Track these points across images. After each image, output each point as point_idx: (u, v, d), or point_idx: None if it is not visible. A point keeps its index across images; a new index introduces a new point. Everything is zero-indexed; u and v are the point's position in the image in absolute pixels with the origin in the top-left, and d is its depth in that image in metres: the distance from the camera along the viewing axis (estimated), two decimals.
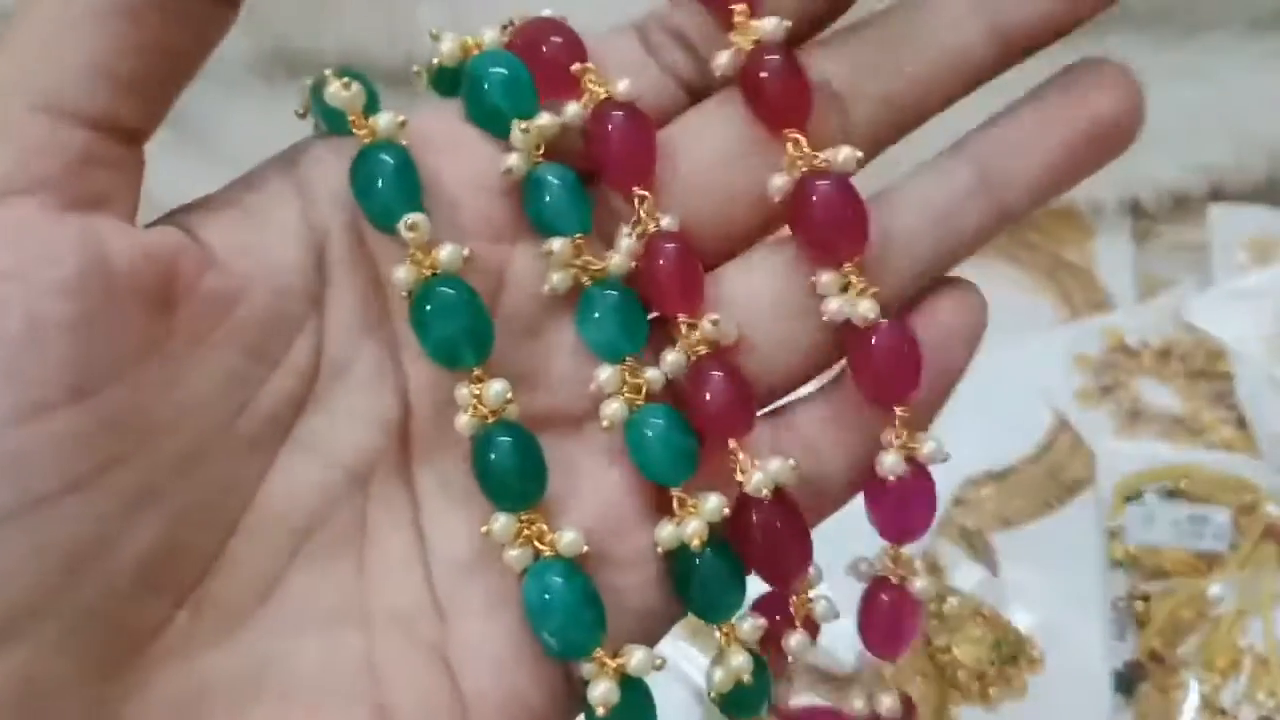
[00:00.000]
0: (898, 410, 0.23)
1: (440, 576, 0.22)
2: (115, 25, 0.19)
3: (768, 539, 0.22)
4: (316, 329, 0.22)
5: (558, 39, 0.23)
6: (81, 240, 0.19)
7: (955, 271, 0.25)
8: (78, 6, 0.19)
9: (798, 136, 0.23)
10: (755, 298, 0.23)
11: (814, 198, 0.22)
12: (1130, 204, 0.62)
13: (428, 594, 0.22)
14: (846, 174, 0.23)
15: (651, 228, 0.23)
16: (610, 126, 0.23)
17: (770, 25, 0.23)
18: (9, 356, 0.18)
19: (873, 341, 0.23)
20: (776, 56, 0.23)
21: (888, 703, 0.25)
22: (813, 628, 0.24)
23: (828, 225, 0.22)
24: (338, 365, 0.22)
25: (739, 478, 0.22)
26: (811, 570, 0.24)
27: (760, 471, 0.22)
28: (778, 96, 0.23)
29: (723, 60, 0.23)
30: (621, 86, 0.23)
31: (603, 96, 0.23)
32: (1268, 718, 0.46)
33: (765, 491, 0.22)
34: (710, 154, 0.23)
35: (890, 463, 0.23)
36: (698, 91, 0.24)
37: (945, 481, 0.53)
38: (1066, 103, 0.23)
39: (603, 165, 0.23)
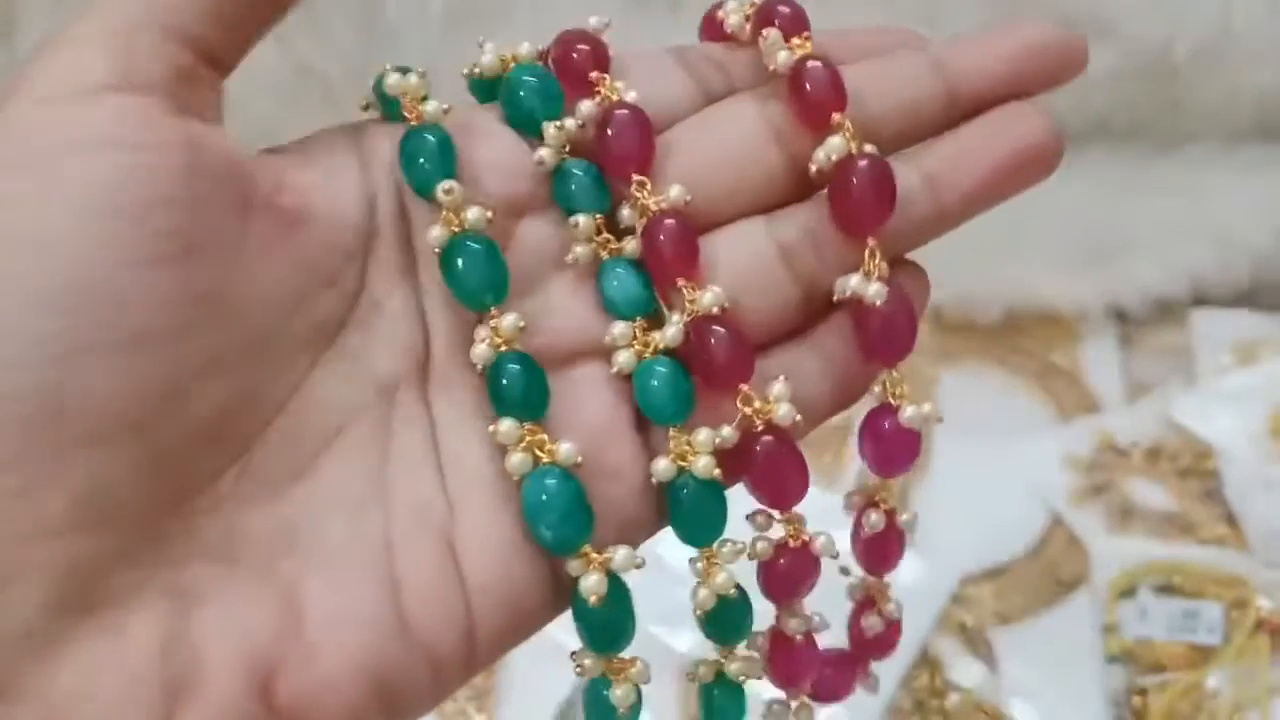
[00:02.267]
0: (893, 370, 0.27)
1: (451, 478, 0.25)
2: None
3: (772, 466, 0.26)
4: (363, 263, 0.26)
5: (585, 48, 0.28)
6: (187, 136, 0.23)
7: None
8: None
9: (843, 123, 0.26)
10: (737, 265, 0.27)
11: (853, 177, 0.26)
12: (1115, 310, 0.64)
13: (441, 491, 0.25)
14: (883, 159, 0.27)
15: (653, 207, 0.26)
16: (613, 124, 0.27)
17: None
18: (131, 215, 0.22)
19: (880, 308, 0.26)
20: (820, 63, 0.27)
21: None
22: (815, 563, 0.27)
23: (866, 199, 0.26)
24: (376, 298, 0.26)
25: (749, 411, 0.26)
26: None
27: (780, 403, 0.26)
28: (818, 98, 0.26)
29: (780, 57, 0.27)
30: (629, 95, 0.27)
31: (613, 100, 0.27)
32: None
33: (784, 413, 0.26)
34: (719, 140, 0.27)
35: (909, 414, 0.27)
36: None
37: (944, 579, 0.54)
38: (1001, 129, 0.27)
39: (605, 158, 0.27)
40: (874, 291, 0.26)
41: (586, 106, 0.27)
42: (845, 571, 0.29)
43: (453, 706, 0.52)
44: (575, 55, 0.27)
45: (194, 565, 0.23)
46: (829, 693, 0.29)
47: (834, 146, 0.26)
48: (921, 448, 0.27)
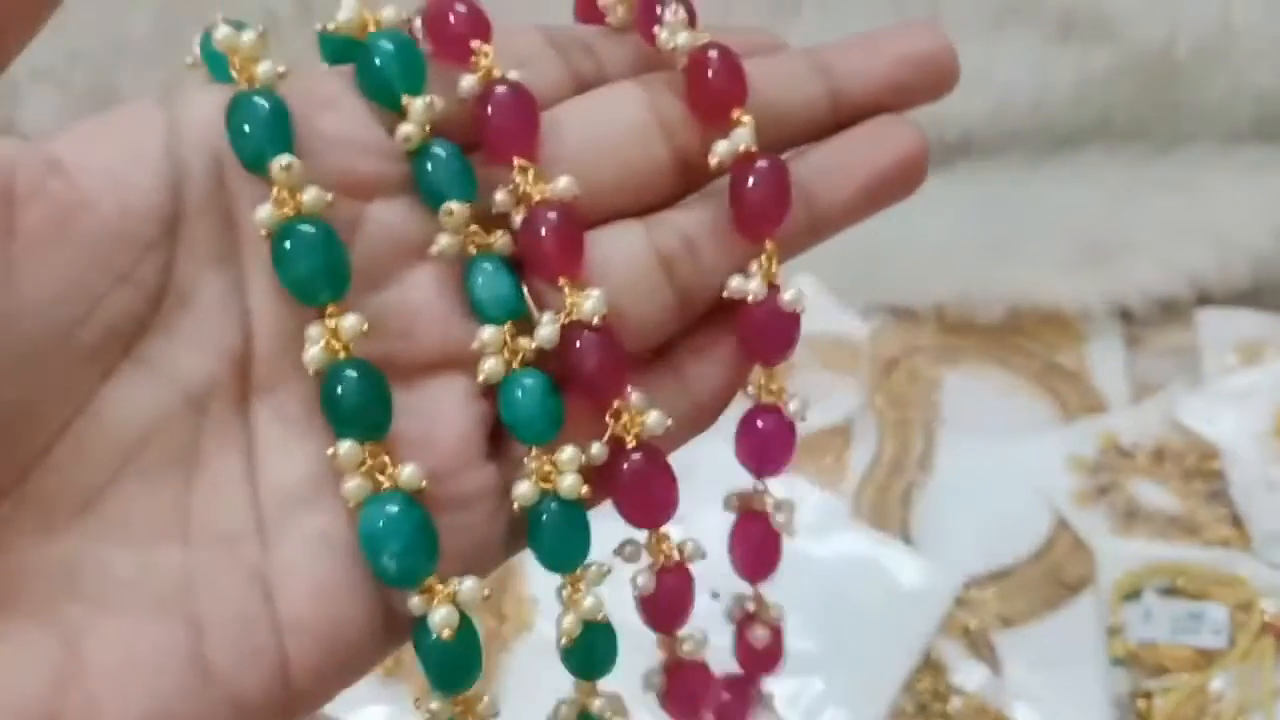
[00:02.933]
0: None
1: (268, 505, 0.23)
2: None
3: (641, 484, 0.25)
4: (166, 254, 0.22)
5: (463, 10, 0.25)
6: None
7: None
8: None
9: (744, 119, 0.25)
10: (616, 269, 0.25)
11: (754, 176, 0.25)
12: (1119, 310, 0.64)
13: (253, 519, 0.23)
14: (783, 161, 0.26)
15: (536, 196, 0.24)
16: (495, 103, 0.24)
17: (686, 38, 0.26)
18: None
19: (760, 311, 0.25)
20: (721, 52, 0.25)
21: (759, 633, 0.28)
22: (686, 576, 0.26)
23: (766, 201, 0.25)
24: (184, 293, 0.23)
25: (618, 426, 0.24)
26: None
27: (647, 418, 0.24)
28: (721, 87, 0.25)
29: (680, 39, 0.25)
30: (512, 74, 0.25)
31: (495, 75, 0.24)
32: None
33: (653, 422, 0.24)
34: (604, 127, 0.25)
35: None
36: (591, 89, 0.27)
37: (947, 582, 0.54)
38: (877, 139, 0.26)
39: (486, 138, 0.25)
40: (757, 290, 0.25)
41: (469, 81, 0.25)
42: (716, 595, 0.28)
43: None
44: (452, 19, 0.25)
45: None
46: (729, 718, 0.29)
47: (741, 138, 0.25)
48: (794, 449, 0.27)
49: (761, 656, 0.28)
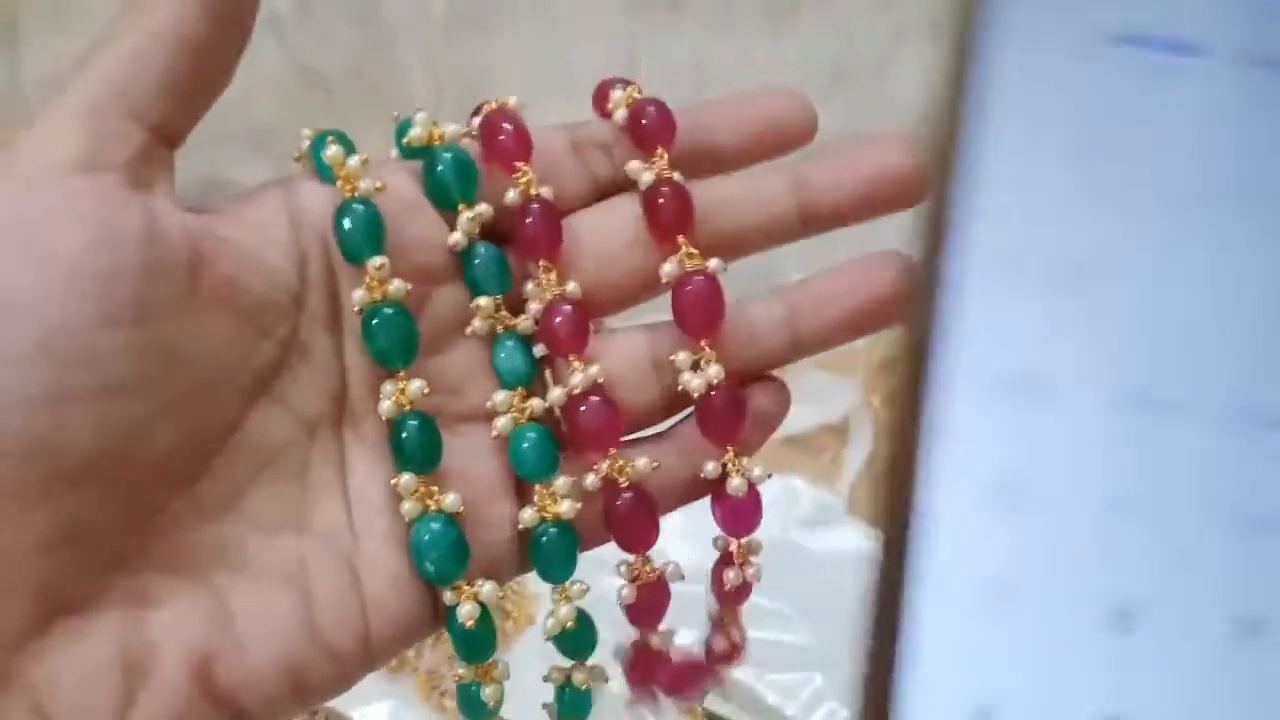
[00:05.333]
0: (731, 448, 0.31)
1: (356, 509, 0.30)
2: (184, 50, 0.27)
3: (630, 518, 0.31)
4: (295, 318, 0.29)
5: (510, 129, 0.31)
6: (144, 210, 0.26)
7: None
8: (159, 29, 0.27)
9: (684, 243, 0.31)
10: (620, 360, 0.31)
11: (689, 288, 0.31)
12: None
13: (347, 520, 0.30)
14: (714, 275, 0.31)
15: (551, 294, 0.31)
16: (528, 218, 0.31)
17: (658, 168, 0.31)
18: (101, 281, 0.25)
19: (713, 397, 0.31)
20: (672, 189, 0.31)
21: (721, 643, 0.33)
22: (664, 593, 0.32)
23: (697, 308, 0.31)
24: (305, 346, 0.29)
25: (613, 469, 0.30)
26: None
27: (634, 463, 0.30)
28: (669, 221, 0.31)
29: (644, 177, 0.31)
30: (544, 191, 0.31)
31: (530, 193, 0.31)
32: None
33: (641, 465, 0.31)
34: (608, 238, 0.32)
35: (734, 484, 0.31)
36: (606, 188, 0.32)
37: None
38: (861, 277, 0.31)
39: (520, 243, 0.31)
40: (698, 385, 0.30)
41: (512, 195, 0.31)
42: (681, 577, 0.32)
43: (453, 705, 0.52)
44: (502, 137, 0.31)
45: (146, 577, 0.27)
46: (680, 692, 0.33)
47: (670, 270, 0.31)
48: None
49: (721, 656, 0.32)
